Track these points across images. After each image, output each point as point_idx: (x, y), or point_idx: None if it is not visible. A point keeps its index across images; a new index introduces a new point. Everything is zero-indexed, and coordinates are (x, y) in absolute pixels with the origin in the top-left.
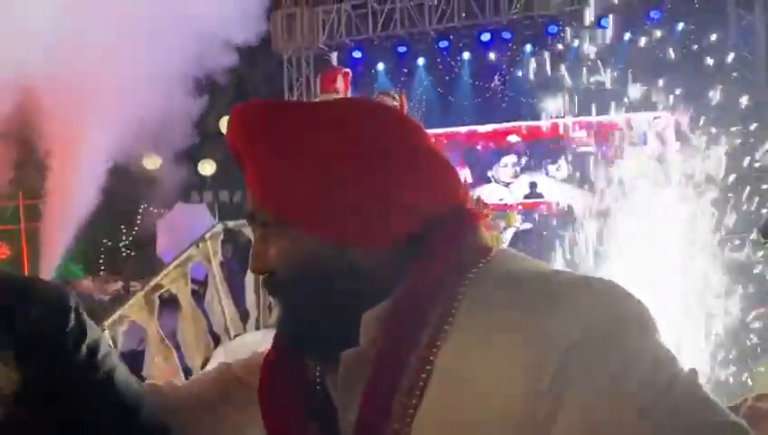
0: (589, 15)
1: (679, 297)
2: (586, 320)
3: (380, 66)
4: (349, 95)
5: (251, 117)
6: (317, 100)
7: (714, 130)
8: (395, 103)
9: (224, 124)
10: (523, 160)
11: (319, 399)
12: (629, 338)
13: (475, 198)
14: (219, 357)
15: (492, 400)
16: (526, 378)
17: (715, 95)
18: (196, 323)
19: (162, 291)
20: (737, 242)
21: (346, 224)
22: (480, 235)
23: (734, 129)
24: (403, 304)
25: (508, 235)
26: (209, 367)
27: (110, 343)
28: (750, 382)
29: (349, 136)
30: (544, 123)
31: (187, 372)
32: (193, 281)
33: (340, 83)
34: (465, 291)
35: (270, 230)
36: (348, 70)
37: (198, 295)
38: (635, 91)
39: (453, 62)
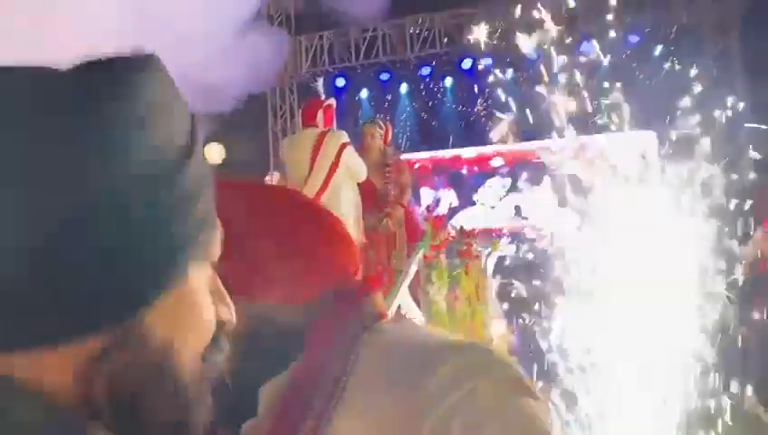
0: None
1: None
2: (463, 383)
3: (364, 94)
4: (333, 127)
5: None
6: (300, 131)
7: (693, 152)
8: (380, 132)
9: (207, 152)
10: (508, 183)
11: None
12: (506, 401)
13: (458, 228)
14: None
15: None
16: None
17: (694, 115)
18: None
19: None
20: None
21: (272, 286)
22: (368, 306)
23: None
24: (297, 377)
25: (492, 261)
26: None
27: None
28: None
29: (261, 216)
30: (527, 146)
31: None
32: None
33: (320, 118)
34: (354, 361)
35: None
36: (331, 102)
37: None
38: (615, 112)
39: (435, 88)
